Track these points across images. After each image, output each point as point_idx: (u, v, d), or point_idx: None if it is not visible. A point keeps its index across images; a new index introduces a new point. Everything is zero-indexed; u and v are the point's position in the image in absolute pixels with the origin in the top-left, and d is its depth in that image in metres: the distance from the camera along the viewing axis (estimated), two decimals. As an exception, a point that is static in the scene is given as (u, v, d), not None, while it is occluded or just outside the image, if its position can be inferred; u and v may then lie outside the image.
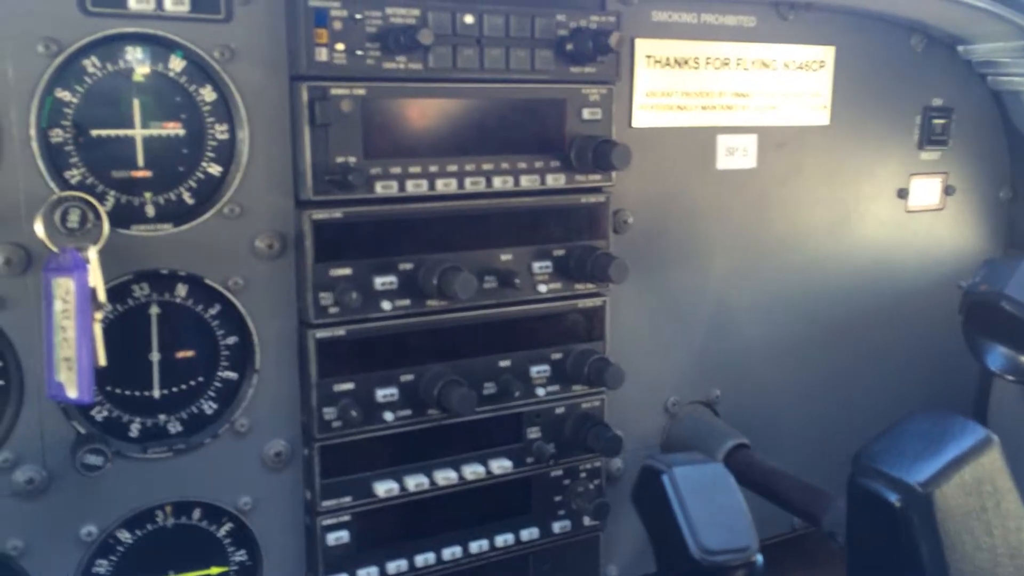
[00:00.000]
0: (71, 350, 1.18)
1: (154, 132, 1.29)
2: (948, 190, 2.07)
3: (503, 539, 1.59)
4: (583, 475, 1.66)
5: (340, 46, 1.34)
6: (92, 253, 1.20)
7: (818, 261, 1.92)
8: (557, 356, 1.60)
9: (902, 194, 2.01)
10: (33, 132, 1.21)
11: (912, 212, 2.03)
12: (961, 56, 1.99)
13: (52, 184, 1.23)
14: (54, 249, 1.20)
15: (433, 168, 1.44)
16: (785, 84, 1.82)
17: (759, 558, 1.20)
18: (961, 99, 2.03)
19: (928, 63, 1.97)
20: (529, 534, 1.62)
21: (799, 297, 1.91)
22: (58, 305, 1.19)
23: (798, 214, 1.88)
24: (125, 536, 1.37)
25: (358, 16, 1.34)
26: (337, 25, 1.33)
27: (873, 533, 1.27)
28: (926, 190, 2.06)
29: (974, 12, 1.84)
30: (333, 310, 1.40)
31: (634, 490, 1.32)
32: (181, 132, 1.31)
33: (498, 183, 1.50)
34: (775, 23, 1.78)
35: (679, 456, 1.29)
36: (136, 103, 1.28)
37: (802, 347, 1.93)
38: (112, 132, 1.27)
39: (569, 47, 1.51)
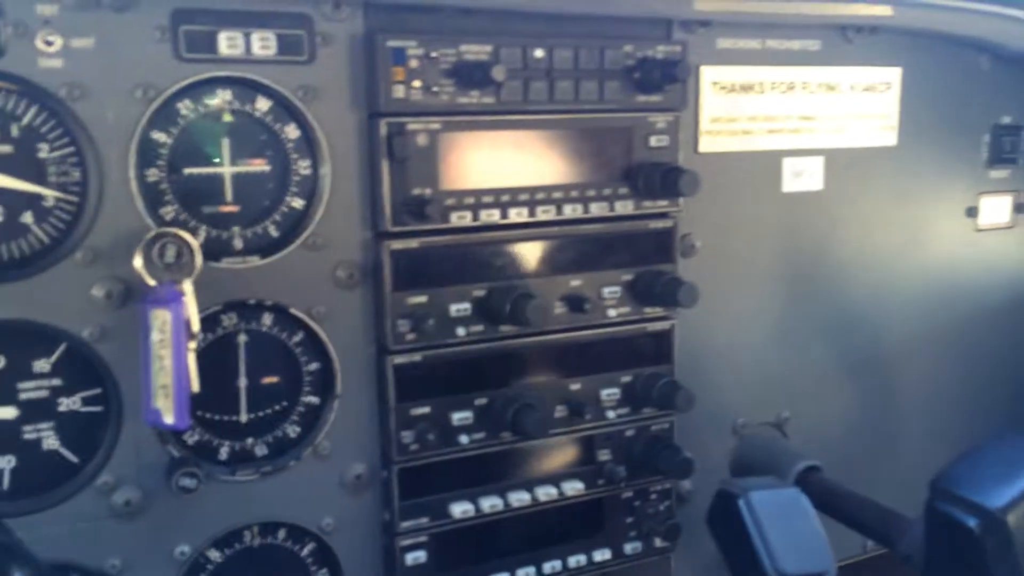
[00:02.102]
0: (168, 378, 1.25)
1: (241, 169, 1.36)
2: (1019, 208, 2.04)
3: (576, 560, 1.62)
4: (654, 497, 1.68)
5: (416, 83, 1.39)
6: (187, 286, 1.26)
7: (887, 281, 1.92)
8: (627, 379, 1.63)
9: (971, 213, 1.99)
10: (131, 172, 1.28)
11: (982, 231, 2.02)
12: (1030, 73, 1.97)
13: (149, 221, 1.29)
14: (152, 283, 1.26)
15: (505, 198, 1.48)
16: (851, 106, 1.82)
17: (836, 582, 1.21)
18: None
19: (996, 81, 1.96)
20: (601, 555, 1.64)
21: (869, 318, 1.91)
22: (155, 336, 1.25)
23: (866, 234, 1.88)
24: (215, 555, 1.42)
25: (433, 54, 1.39)
26: (414, 63, 1.39)
27: (951, 558, 1.27)
28: (996, 208, 2.04)
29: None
30: (410, 336, 1.44)
31: (709, 514, 1.34)
32: (267, 168, 1.37)
33: (568, 211, 1.53)
34: (840, 46, 1.79)
35: (754, 480, 1.31)
36: (225, 142, 1.34)
37: (872, 368, 1.92)
38: (203, 170, 1.34)
39: (637, 76, 1.54)
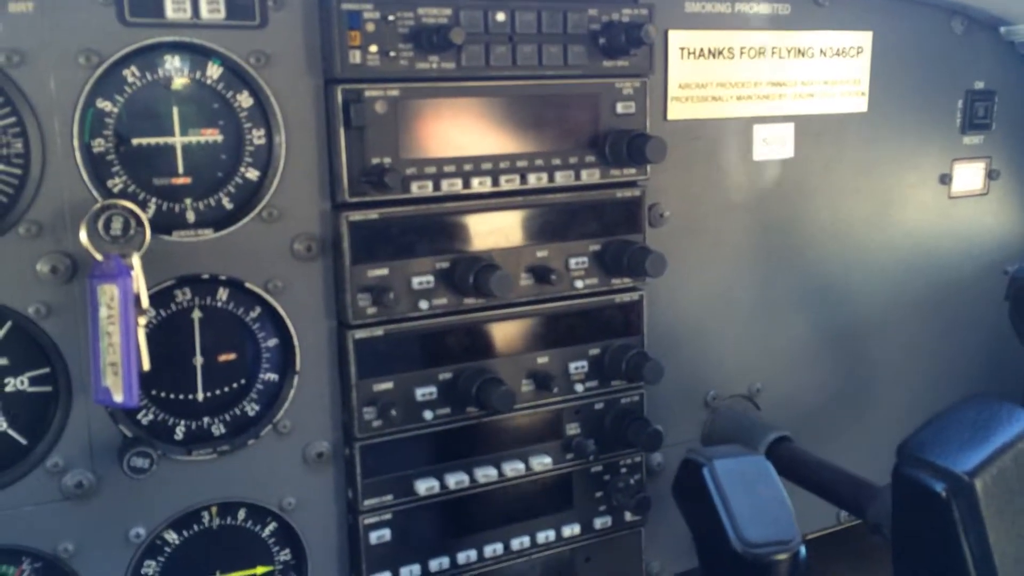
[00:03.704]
0: (116, 355, 1.21)
1: (193, 139, 1.31)
2: (992, 174, 2.03)
3: (544, 535, 1.60)
4: (623, 470, 1.66)
5: (373, 48, 1.35)
6: (135, 259, 1.22)
7: (859, 250, 1.90)
8: (595, 351, 1.60)
9: (944, 180, 1.98)
10: (76, 143, 1.24)
11: (955, 198, 2.00)
12: (1003, 37, 1.95)
13: (95, 193, 1.25)
14: (98, 257, 1.22)
15: (468, 167, 1.45)
16: (822, 71, 1.79)
17: (802, 550, 1.19)
18: (1004, 81, 1.98)
19: (969, 46, 1.93)
20: (570, 530, 1.62)
21: (840, 287, 1.89)
22: (103, 311, 1.21)
23: (838, 203, 1.85)
24: (172, 537, 1.39)
25: (391, 17, 1.35)
26: (370, 27, 1.34)
27: (919, 523, 1.26)
28: (969, 175, 2.02)
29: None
30: (371, 310, 1.41)
31: (675, 483, 1.32)
32: (219, 138, 1.33)
33: (533, 180, 1.50)
34: (810, 10, 1.75)
35: (720, 448, 1.29)
36: (175, 111, 1.30)
37: (844, 337, 1.91)
38: (152, 140, 1.29)
39: (602, 41, 1.50)
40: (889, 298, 1.94)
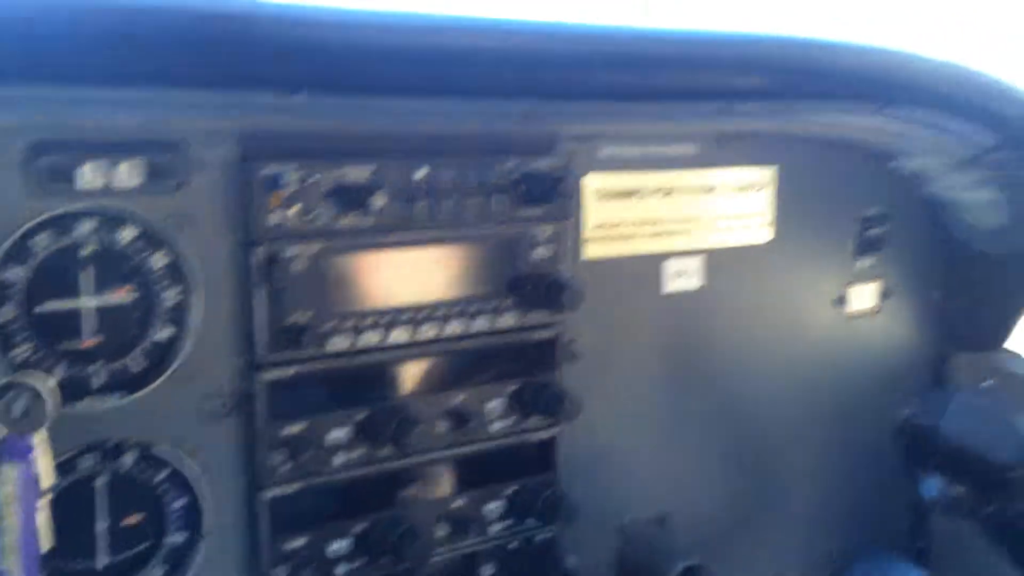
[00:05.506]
0: (15, 538, 1.15)
1: (104, 301, 1.27)
2: (885, 293, 2.12)
3: None
4: (539, 607, 1.67)
5: (292, 208, 1.34)
6: (37, 438, 1.17)
7: (766, 374, 1.95)
8: (510, 491, 1.61)
9: (840, 302, 2.06)
10: None
11: (853, 317, 2.09)
12: (894, 170, 2.06)
13: (-4, 365, 1.20)
14: (-2, 437, 1.16)
15: (387, 319, 1.44)
16: (729, 206, 1.86)
17: None
18: (896, 207, 2.09)
19: (864, 176, 2.03)
20: (488, 674, 1.61)
21: (749, 410, 1.94)
22: (1, 493, 1.15)
23: (745, 329, 1.91)
24: None
25: (311, 179, 1.34)
26: (290, 188, 1.33)
27: None
28: (864, 295, 2.11)
29: (898, 138, 1.91)
30: (284, 468, 1.38)
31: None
32: (132, 298, 1.29)
33: (451, 328, 1.50)
34: (715, 151, 1.82)
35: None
36: (86, 274, 1.25)
37: (753, 460, 1.96)
38: (61, 305, 1.24)
39: (522, 188, 1.53)
40: (795, 418, 2.00)
